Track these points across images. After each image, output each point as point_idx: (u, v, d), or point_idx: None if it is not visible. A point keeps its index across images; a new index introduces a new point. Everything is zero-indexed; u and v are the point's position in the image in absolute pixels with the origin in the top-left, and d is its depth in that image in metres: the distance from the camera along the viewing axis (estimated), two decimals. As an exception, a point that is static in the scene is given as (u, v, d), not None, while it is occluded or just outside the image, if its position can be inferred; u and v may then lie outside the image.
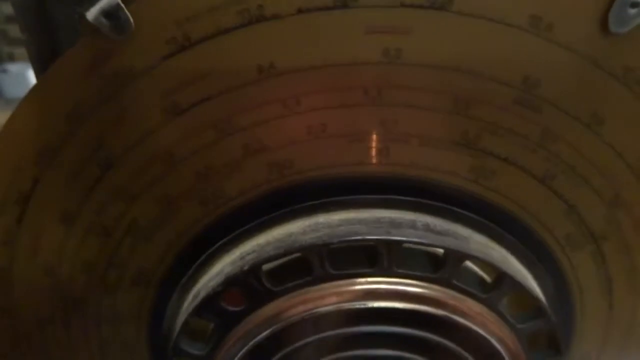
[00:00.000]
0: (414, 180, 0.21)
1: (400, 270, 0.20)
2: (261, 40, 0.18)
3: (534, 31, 0.18)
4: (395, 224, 0.20)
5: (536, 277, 0.23)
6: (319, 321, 0.20)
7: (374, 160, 0.20)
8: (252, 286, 0.20)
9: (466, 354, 0.21)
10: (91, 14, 0.17)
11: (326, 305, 0.19)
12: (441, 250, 0.20)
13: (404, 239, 0.19)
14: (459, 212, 0.21)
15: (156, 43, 0.18)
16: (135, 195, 0.21)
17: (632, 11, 0.18)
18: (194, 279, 0.22)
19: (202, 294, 0.21)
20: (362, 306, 0.19)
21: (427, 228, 0.20)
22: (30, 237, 0.22)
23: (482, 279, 0.21)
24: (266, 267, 0.21)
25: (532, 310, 0.22)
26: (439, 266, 0.20)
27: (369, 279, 0.20)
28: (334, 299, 0.19)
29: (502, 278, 0.20)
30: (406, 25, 0.18)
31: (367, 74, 0.19)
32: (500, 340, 0.21)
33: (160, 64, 0.19)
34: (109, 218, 0.21)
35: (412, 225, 0.20)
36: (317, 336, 0.20)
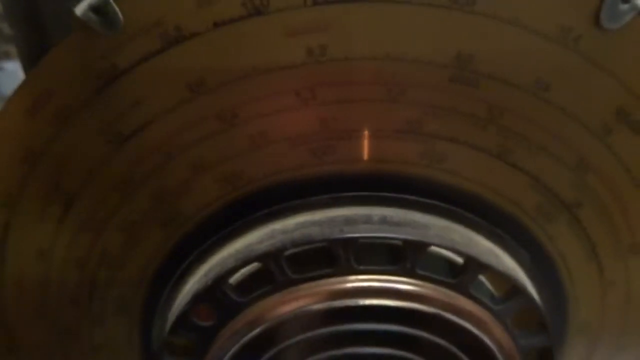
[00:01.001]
0: (365, 174, 0.21)
1: (360, 267, 0.20)
2: (186, 60, 0.19)
3: (456, 7, 0.18)
4: (349, 221, 0.20)
5: (511, 253, 0.22)
6: (288, 326, 0.20)
7: (322, 160, 0.20)
8: (219, 300, 0.20)
9: (443, 342, 0.20)
10: (80, 9, 0.17)
11: (288, 312, 0.20)
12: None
13: (357, 235, 0.19)
14: (415, 199, 0.21)
15: (85, 81, 0.19)
16: (100, 227, 0.22)
17: (624, 7, 0.18)
18: (170, 300, 0.23)
19: (176, 313, 0.21)
20: (326, 307, 0.19)
21: (384, 221, 0.20)
22: (13, 276, 0.23)
23: (452, 264, 0.21)
24: (235, 279, 0.21)
25: (509, 288, 0.21)
26: (399, 257, 0.20)
27: (329, 280, 0.19)
28: (294, 304, 0.19)
29: (467, 261, 0.20)
30: (324, 22, 0.18)
31: (295, 76, 0.19)
32: (477, 323, 0.20)
33: (94, 98, 0.19)
34: (80, 251, 0.22)
35: (367, 220, 0.20)
36: (288, 341, 0.20)
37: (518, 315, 0.23)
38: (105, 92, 0.19)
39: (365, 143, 0.20)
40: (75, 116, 0.19)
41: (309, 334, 0.20)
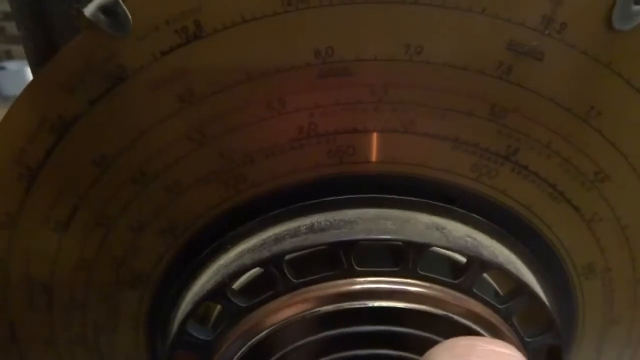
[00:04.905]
0: (284, 189, 0.21)
1: (299, 281, 0.20)
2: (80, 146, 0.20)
3: (291, 9, 0.18)
4: (279, 239, 0.20)
5: (463, 221, 0.21)
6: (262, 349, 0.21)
7: (238, 189, 0.21)
8: (188, 343, 0.21)
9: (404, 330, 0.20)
10: (89, 10, 0.17)
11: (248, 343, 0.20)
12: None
13: (281, 252, 0.19)
14: (336, 199, 0.20)
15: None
16: (83, 304, 0.24)
17: (637, 8, 0.17)
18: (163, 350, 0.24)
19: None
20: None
21: (310, 229, 0.20)
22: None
23: (396, 253, 0.20)
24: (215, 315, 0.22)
25: (466, 260, 0.20)
26: (334, 260, 0.20)
27: (271, 303, 0.20)
28: (248, 334, 0.20)
29: (407, 246, 0.19)
30: (179, 68, 0.18)
31: (180, 123, 0.19)
32: (430, 300, 0.19)
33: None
34: (74, 330, 0.24)
35: (295, 233, 0.20)
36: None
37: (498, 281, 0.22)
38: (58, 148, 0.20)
39: (270, 161, 0.20)
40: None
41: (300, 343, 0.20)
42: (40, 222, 0.22)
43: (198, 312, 0.22)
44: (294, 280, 0.20)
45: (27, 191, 0.21)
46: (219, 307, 0.23)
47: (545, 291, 0.22)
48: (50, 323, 0.24)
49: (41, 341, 0.25)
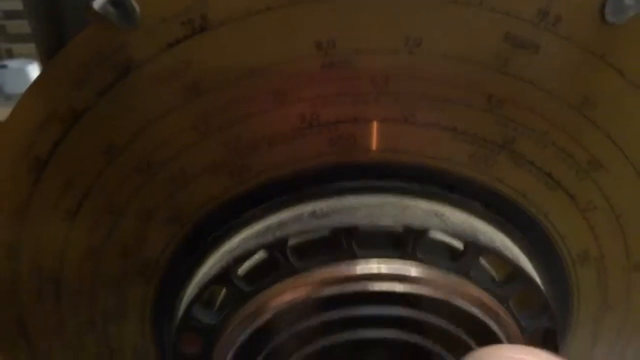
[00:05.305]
0: (288, 177, 0.21)
1: (300, 263, 0.20)
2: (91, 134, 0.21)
3: (292, 2, 0.18)
4: (282, 225, 0.21)
5: (463, 208, 0.22)
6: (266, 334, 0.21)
7: (243, 179, 0.21)
8: (194, 327, 0.22)
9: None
10: (98, 2, 0.18)
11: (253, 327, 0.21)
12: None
13: (284, 236, 0.20)
14: (338, 186, 0.21)
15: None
16: (91, 292, 0.24)
17: (629, 2, 0.18)
18: (169, 334, 0.25)
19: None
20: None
21: (313, 215, 0.21)
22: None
23: (396, 239, 0.21)
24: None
25: (464, 245, 0.21)
26: (334, 244, 0.20)
27: (274, 287, 0.20)
28: (253, 318, 0.21)
29: (407, 231, 0.20)
30: (184, 60, 0.19)
31: (185, 115, 0.20)
32: (429, 284, 0.20)
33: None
34: (81, 317, 0.25)
35: (298, 219, 0.21)
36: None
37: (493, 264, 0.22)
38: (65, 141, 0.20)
39: (273, 151, 0.21)
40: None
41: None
42: (50, 212, 0.22)
43: (203, 297, 0.22)
44: (297, 265, 0.20)
45: (36, 181, 0.21)
46: (224, 291, 0.23)
47: (540, 277, 0.23)
48: (58, 313, 0.25)
49: (50, 331, 0.25)
